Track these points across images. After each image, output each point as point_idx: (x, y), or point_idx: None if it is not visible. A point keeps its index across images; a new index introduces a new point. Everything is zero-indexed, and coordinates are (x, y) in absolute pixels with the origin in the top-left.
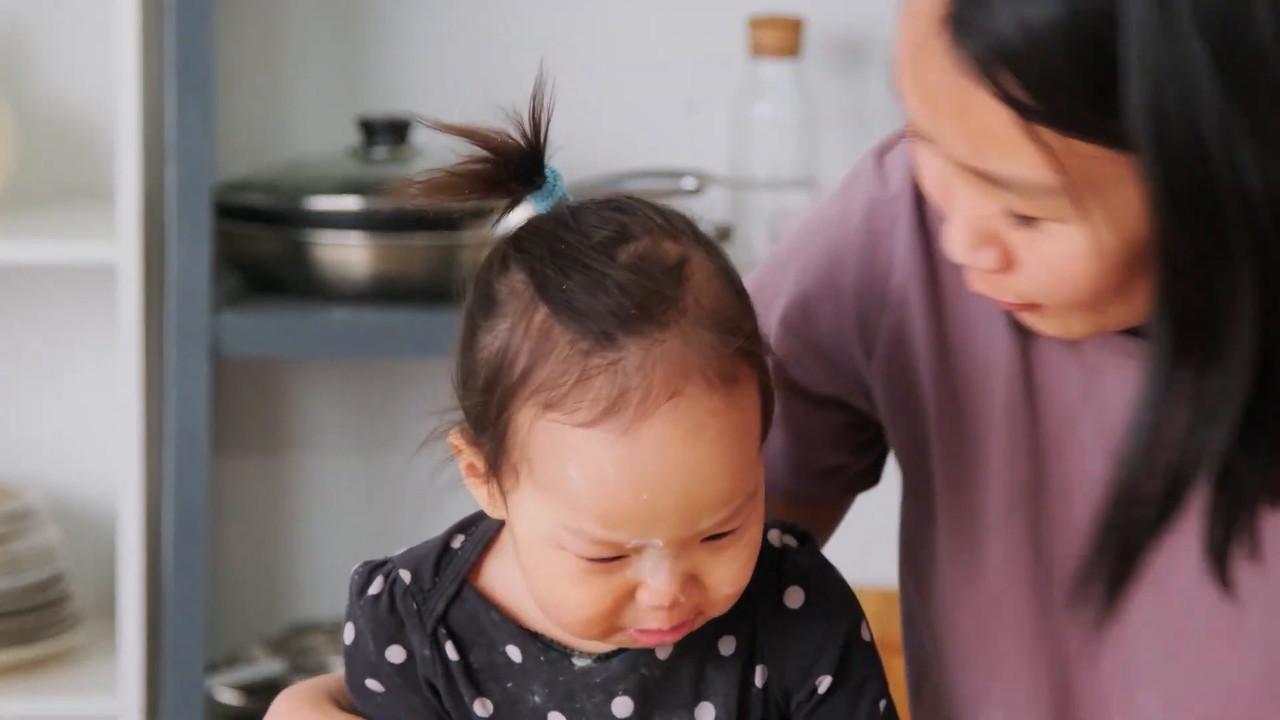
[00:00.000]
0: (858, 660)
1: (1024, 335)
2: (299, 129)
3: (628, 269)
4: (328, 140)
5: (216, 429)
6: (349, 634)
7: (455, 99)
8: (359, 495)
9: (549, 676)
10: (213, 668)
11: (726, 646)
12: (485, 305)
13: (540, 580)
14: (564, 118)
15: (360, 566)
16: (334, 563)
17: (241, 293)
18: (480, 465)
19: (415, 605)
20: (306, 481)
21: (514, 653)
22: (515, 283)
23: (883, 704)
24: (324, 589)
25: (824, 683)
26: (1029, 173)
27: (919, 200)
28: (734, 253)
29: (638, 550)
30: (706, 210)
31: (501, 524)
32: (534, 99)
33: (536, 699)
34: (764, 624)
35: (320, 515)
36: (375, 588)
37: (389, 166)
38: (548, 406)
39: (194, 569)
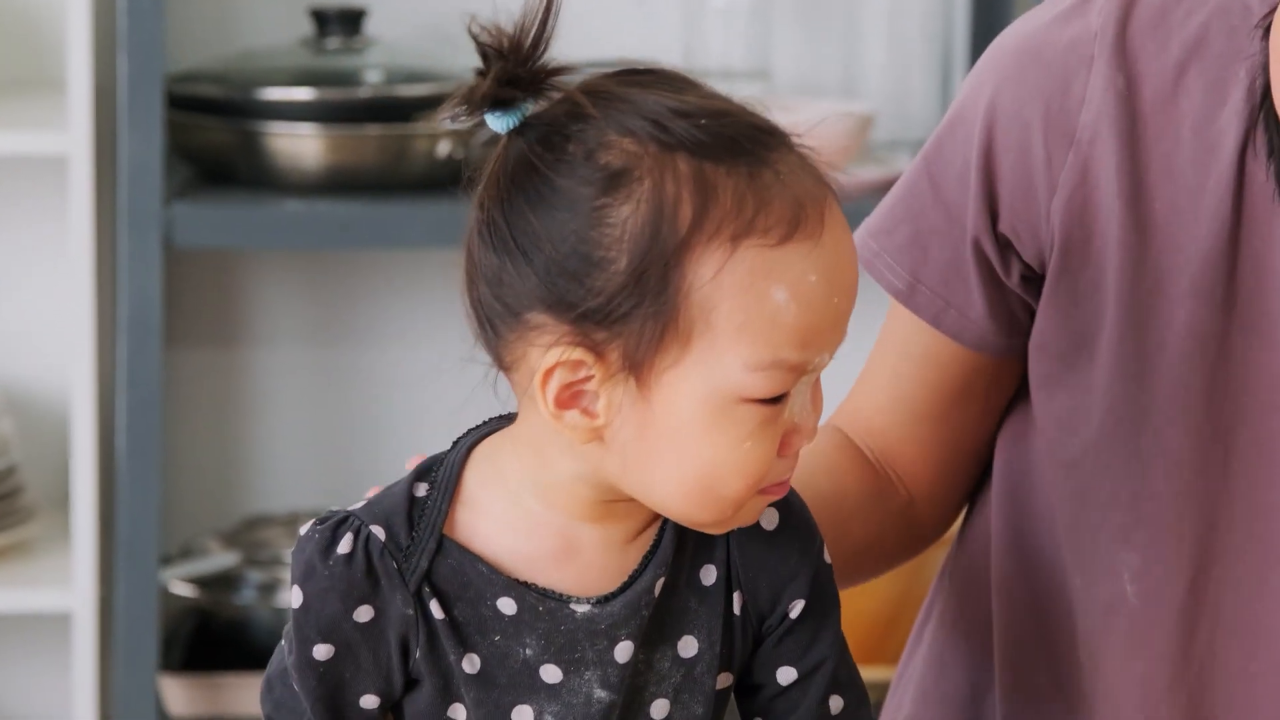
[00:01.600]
0: (826, 582)
1: (1238, 189)
2: (251, 19)
3: (720, 101)
4: (280, 30)
5: (169, 321)
6: (298, 598)
7: None
8: (312, 387)
9: (547, 628)
10: (166, 560)
11: (708, 576)
12: (600, 185)
13: (708, 451)
14: (517, 6)
15: (314, 526)
16: (287, 455)
17: (194, 184)
18: (607, 368)
19: (395, 563)
20: (259, 373)
21: (506, 605)
22: (624, 147)
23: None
24: (278, 481)
25: (797, 607)
26: None
27: (1120, 41)
28: None
29: (809, 371)
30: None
31: (461, 470)
32: (542, 10)
33: (528, 651)
34: (740, 548)
35: (273, 407)
36: (344, 546)
37: (341, 57)
38: (737, 238)
39: (147, 462)
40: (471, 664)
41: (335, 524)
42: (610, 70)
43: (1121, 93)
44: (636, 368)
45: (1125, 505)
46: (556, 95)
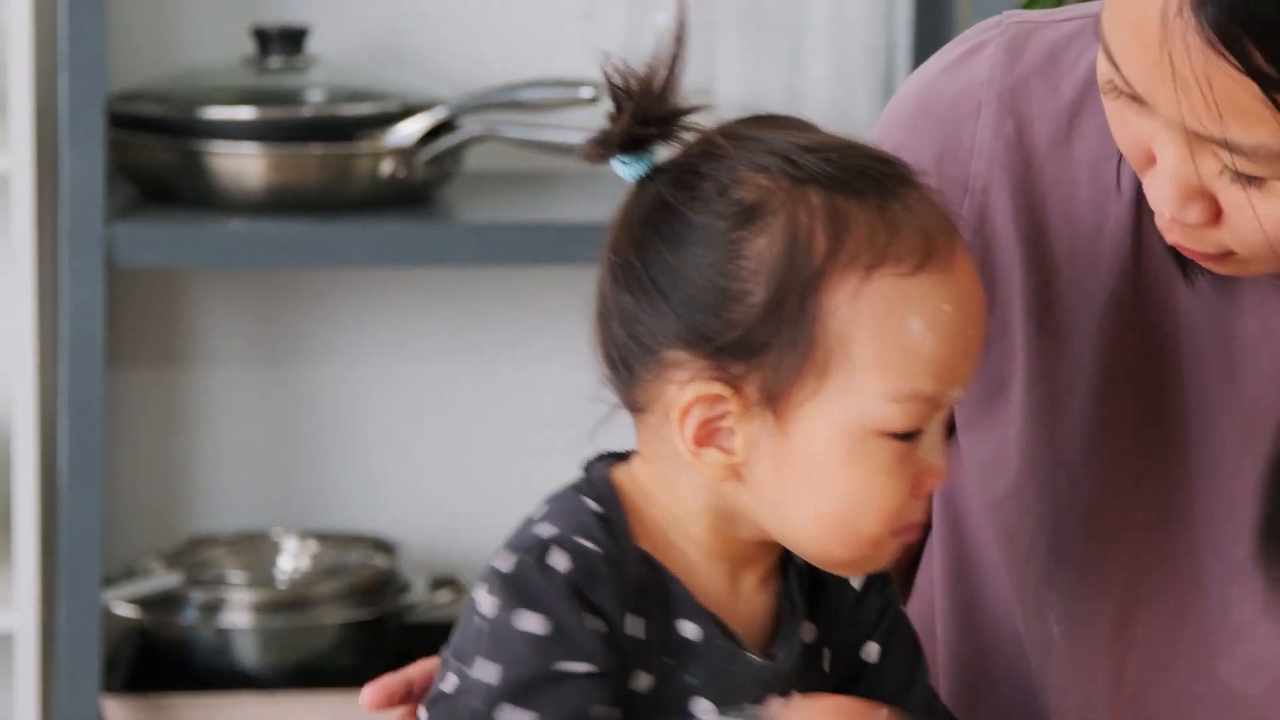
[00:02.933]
0: (904, 625)
1: (1136, 230)
2: (193, 38)
3: (849, 141)
4: (222, 49)
5: (111, 340)
6: (541, 625)
7: (350, 9)
8: (255, 406)
9: (718, 664)
10: (109, 581)
11: (808, 633)
12: (734, 219)
13: (845, 485)
14: (461, 25)
15: (514, 552)
16: (230, 475)
17: (136, 203)
18: (745, 402)
19: (612, 574)
20: (202, 393)
21: (689, 629)
22: (757, 182)
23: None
24: (221, 501)
25: (872, 651)
26: (1271, 140)
27: (1008, 87)
28: None
29: (943, 407)
30: (602, 120)
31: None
32: (672, 51)
33: (691, 680)
34: (830, 604)
35: (216, 427)
36: (563, 563)
37: (284, 76)
38: (871, 268)
39: (89, 481)
40: (643, 682)
41: (540, 546)
42: (740, 116)
43: (1011, 139)
44: (774, 400)
45: (1046, 548)
46: (684, 139)
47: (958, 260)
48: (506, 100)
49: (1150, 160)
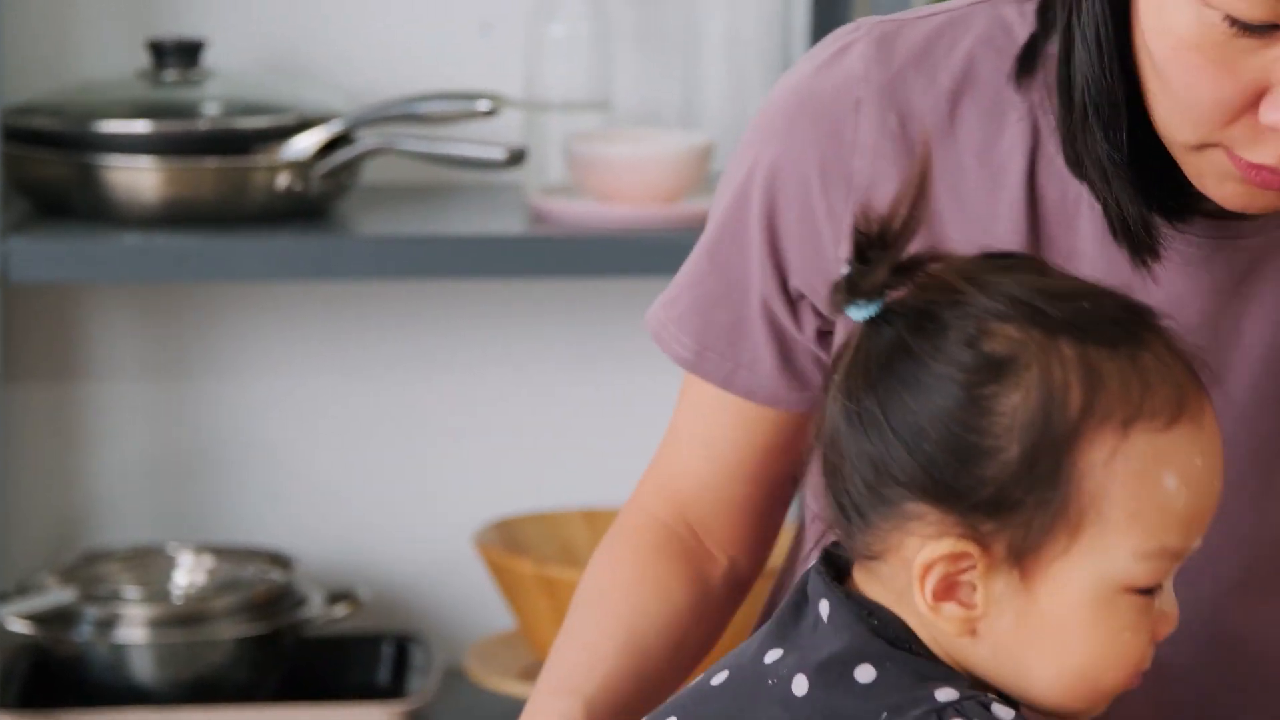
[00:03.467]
0: None
1: (1031, 210)
2: (88, 51)
3: (1093, 286)
4: (117, 63)
5: (6, 355)
6: None
7: (247, 22)
8: (151, 421)
9: None
10: (2, 597)
11: None
12: (985, 372)
13: (1092, 643)
14: (358, 38)
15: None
16: (125, 489)
17: (30, 218)
18: (991, 559)
19: None
20: (97, 407)
21: None
22: (1007, 334)
23: None
24: (116, 516)
25: None
26: None
27: (885, 81)
28: (528, 175)
29: (1183, 557)
30: (500, 133)
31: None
32: (913, 195)
33: None
34: None
35: (111, 441)
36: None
37: (179, 89)
38: (1127, 423)
39: None
40: None
41: (957, 704)
42: (972, 256)
43: (895, 132)
44: (1022, 558)
45: None
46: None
47: (1206, 410)
48: (403, 113)
49: (1255, 99)
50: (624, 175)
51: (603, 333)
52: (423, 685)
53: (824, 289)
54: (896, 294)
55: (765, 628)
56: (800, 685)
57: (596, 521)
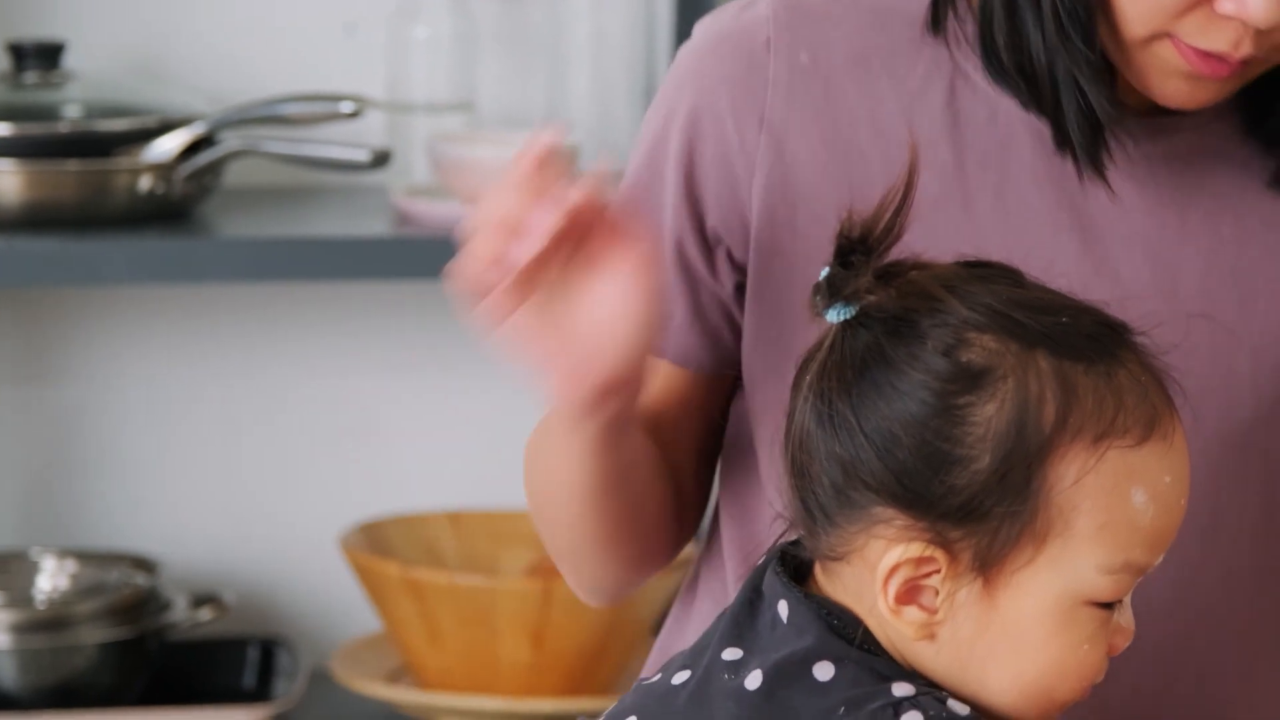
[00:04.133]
0: None
1: (954, 128)
2: None
3: (1071, 300)
4: None
5: None
6: None
7: (108, 24)
8: (12, 424)
9: None
10: None
11: None
12: (961, 382)
13: (1050, 654)
14: (220, 40)
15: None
16: None
17: None
18: (956, 566)
19: None
20: None
21: None
22: (985, 344)
23: None
24: None
25: None
26: None
27: (795, 18)
28: (392, 177)
29: (1145, 573)
30: (364, 134)
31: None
32: (897, 201)
33: None
34: None
35: None
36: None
37: (40, 91)
38: (1100, 439)
39: None
40: None
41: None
42: (951, 264)
43: (806, 68)
44: (987, 567)
45: None
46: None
47: (1177, 429)
48: (266, 115)
49: None
50: (488, 176)
51: (467, 335)
52: (288, 688)
53: (740, 231)
54: (874, 299)
55: (723, 626)
56: (754, 680)
57: (461, 523)
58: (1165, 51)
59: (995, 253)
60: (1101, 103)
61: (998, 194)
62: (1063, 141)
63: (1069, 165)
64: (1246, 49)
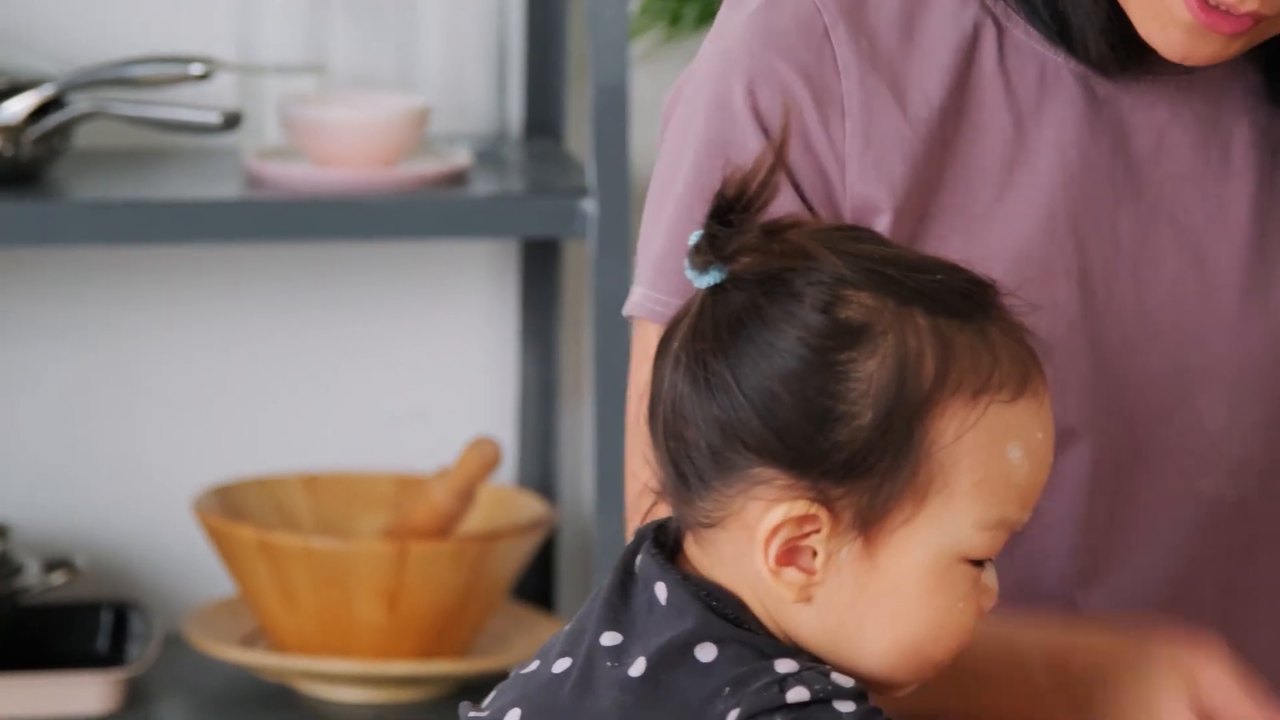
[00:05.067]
0: None
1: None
2: None
3: (943, 261)
4: None
5: None
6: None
7: None
8: None
9: None
10: None
11: None
12: (841, 338)
13: (927, 613)
14: (67, 1)
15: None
16: None
17: None
18: (837, 525)
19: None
20: None
21: None
22: (863, 301)
23: None
24: None
25: None
26: None
27: (845, 6)
28: (243, 139)
29: (1015, 531)
30: (214, 96)
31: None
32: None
33: None
34: None
35: None
36: (850, 706)
37: None
38: (977, 394)
39: None
40: None
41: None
42: (824, 224)
43: (868, 52)
44: (867, 525)
45: None
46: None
47: (1044, 385)
48: (115, 77)
49: None
50: (340, 138)
51: (320, 297)
52: (142, 652)
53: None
54: (752, 258)
55: (597, 609)
56: (638, 667)
57: (316, 487)
58: (1172, 1)
59: (1060, 211)
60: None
61: (1057, 148)
62: (1085, 55)
63: (1118, 110)
64: (1252, 4)
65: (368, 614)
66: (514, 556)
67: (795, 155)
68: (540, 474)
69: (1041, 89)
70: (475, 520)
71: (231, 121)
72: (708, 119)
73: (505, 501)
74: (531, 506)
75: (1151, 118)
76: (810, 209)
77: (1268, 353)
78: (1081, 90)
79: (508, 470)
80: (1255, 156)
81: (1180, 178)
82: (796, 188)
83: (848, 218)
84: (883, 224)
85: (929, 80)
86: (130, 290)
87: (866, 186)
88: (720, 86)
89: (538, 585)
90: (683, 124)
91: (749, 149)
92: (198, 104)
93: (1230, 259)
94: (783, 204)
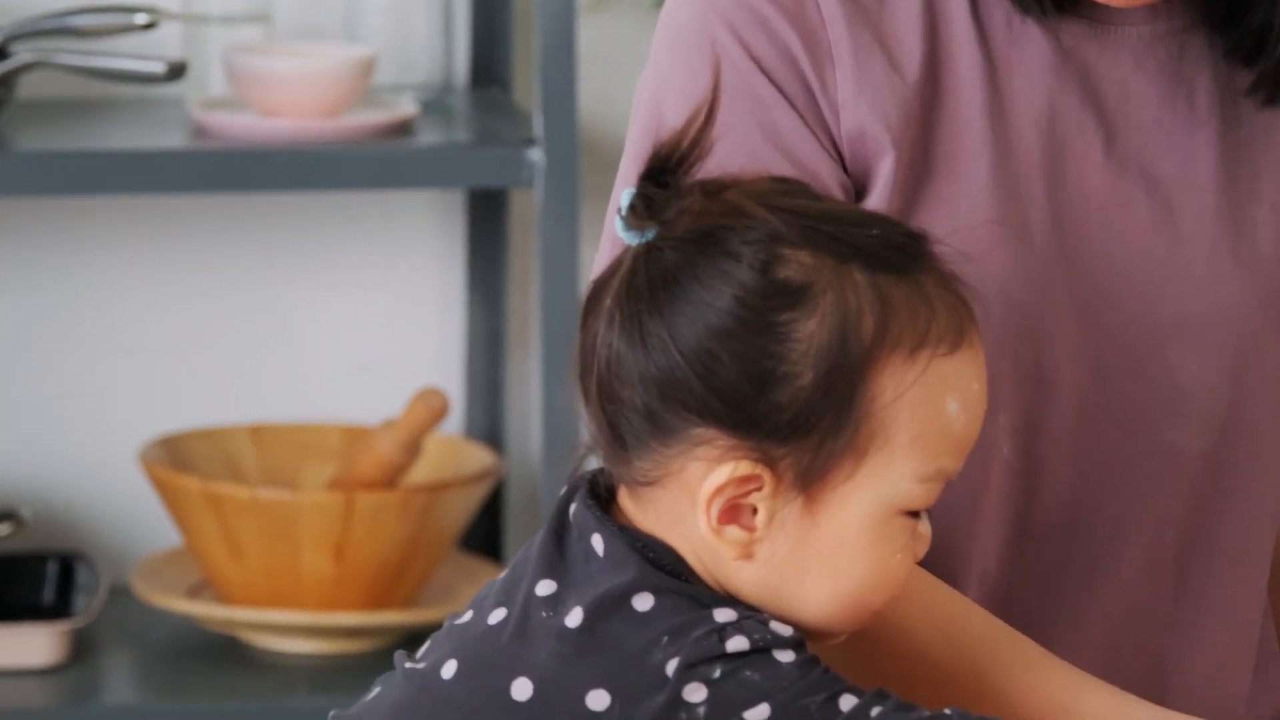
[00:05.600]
0: None
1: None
2: None
3: (876, 214)
4: None
5: None
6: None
7: None
8: None
9: None
10: None
11: None
12: (781, 298)
13: (866, 565)
14: None
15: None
16: None
17: None
18: (778, 483)
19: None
20: None
21: None
22: (801, 260)
23: None
24: None
25: None
26: None
27: None
28: (188, 89)
29: (948, 481)
30: (159, 46)
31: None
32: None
33: None
34: None
35: None
36: (789, 655)
37: None
38: (916, 350)
39: None
40: None
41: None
42: (757, 179)
43: (849, 6)
44: (809, 483)
45: None
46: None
47: (978, 335)
48: (59, 27)
49: None
50: (285, 88)
51: (265, 248)
52: (88, 604)
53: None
54: (686, 217)
55: (533, 559)
56: (575, 617)
57: (262, 437)
58: None
59: (1033, 160)
60: None
61: (1028, 97)
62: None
63: (1083, 60)
64: None
65: (314, 565)
66: (461, 507)
67: (805, 105)
68: (487, 424)
69: (1010, 36)
70: (422, 471)
71: (176, 71)
72: (695, 70)
73: (452, 452)
74: (478, 457)
75: (1116, 69)
76: (838, 158)
77: (1236, 304)
78: (1049, 40)
79: (455, 421)
80: (1219, 107)
81: (1148, 128)
82: (817, 139)
83: (846, 163)
84: (885, 167)
85: (907, 29)
86: (75, 241)
87: (864, 128)
88: (708, 35)
89: (485, 536)
90: (654, 82)
91: (758, 95)
92: (142, 54)
93: (1199, 209)
94: (808, 151)
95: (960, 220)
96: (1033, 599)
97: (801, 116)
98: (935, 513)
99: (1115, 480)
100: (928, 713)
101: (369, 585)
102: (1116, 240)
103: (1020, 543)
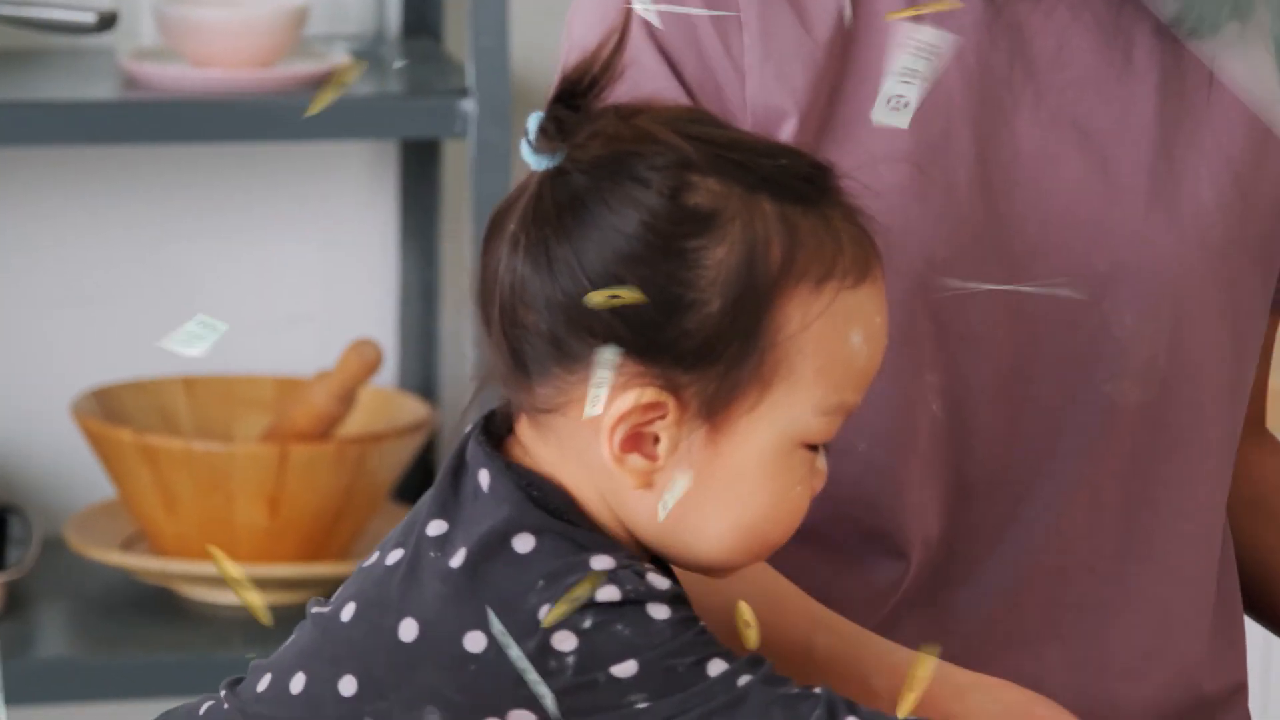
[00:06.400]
0: None
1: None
2: None
3: (783, 145)
4: None
5: None
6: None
7: None
8: None
9: None
10: None
11: None
12: (689, 225)
13: (767, 497)
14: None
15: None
16: None
17: None
18: (684, 410)
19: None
20: None
21: None
22: (710, 187)
23: None
24: None
25: None
26: None
27: None
28: (119, 39)
29: (848, 415)
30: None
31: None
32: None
33: None
34: None
35: None
36: (664, 611)
37: None
38: (822, 280)
39: None
40: None
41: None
42: (666, 107)
43: None
44: (713, 413)
45: None
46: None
47: (881, 269)
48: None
49: None
50: (217, 39)
51: (198, 199)
52: (21, 556)
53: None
54: (595, 141)
55: (428, 498)
56: (459, 558)
57: (195, 389)
58: None
59: (958, 116)
60: None
61: (954, 53)
62: None
63: (1016, 14)
64: None
65: (249, 516)
66: (395, 458)
67: (692, 70)
68: (421, 376)
69: None
70: (356, 422)
71: (107, 22)
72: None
73: (386, 403)
74: (412, 408)
75: (1051, 22)
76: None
77: (1174, 255)
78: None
79: (388, 372)
80: (1157, 59)
81: (1082, 81)
82: (693, 98)
83: (748, 127)
84: (788, 130)
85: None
86: (5, 192)
87: (768, 96)
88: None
89: (419, 487)
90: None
91: (645, 66)
92: (72, 4)
93: (1135, 161)
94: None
95: (865, 158)
96: (977, 559)
97: (688, 90)
98: (866, 475)
99: (1052, 437)
100: (797, 688)
101: (303, 537)
102: (1047, 195)
103: (959, 503)
